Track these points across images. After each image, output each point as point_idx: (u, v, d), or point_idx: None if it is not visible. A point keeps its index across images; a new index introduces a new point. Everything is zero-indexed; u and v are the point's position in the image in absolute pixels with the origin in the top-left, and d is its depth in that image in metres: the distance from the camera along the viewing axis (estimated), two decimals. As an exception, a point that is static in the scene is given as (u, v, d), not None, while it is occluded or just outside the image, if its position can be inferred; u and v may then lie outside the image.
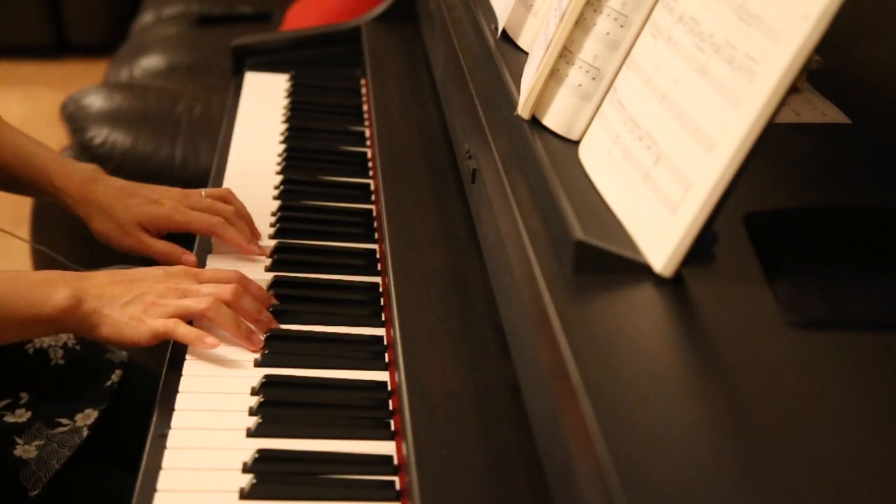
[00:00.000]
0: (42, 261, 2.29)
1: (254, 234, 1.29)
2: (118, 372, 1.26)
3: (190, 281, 1.09)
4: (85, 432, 1.16)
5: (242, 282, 1.11)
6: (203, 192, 1.31)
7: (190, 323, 1.07)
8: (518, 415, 0.90)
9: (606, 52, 0.97)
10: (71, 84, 3.32)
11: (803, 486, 0.64)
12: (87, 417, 1.18)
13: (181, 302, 1.06)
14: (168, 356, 1.07)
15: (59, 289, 1.03)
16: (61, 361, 1.23)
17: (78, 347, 1.26)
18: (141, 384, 1.28)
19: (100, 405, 1.20)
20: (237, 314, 1.08)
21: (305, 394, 1.03)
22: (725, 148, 0.76)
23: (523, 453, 0.87)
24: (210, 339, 1.04)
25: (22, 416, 1.16)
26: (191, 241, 1.31)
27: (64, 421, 1.17)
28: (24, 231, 2.28)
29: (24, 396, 1.18)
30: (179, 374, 1.04)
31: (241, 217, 1.29)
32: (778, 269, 0.84)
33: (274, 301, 1.14)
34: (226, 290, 1.08)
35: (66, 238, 2.23)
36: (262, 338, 1.08)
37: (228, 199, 1.31)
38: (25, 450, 1.13)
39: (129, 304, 1.05)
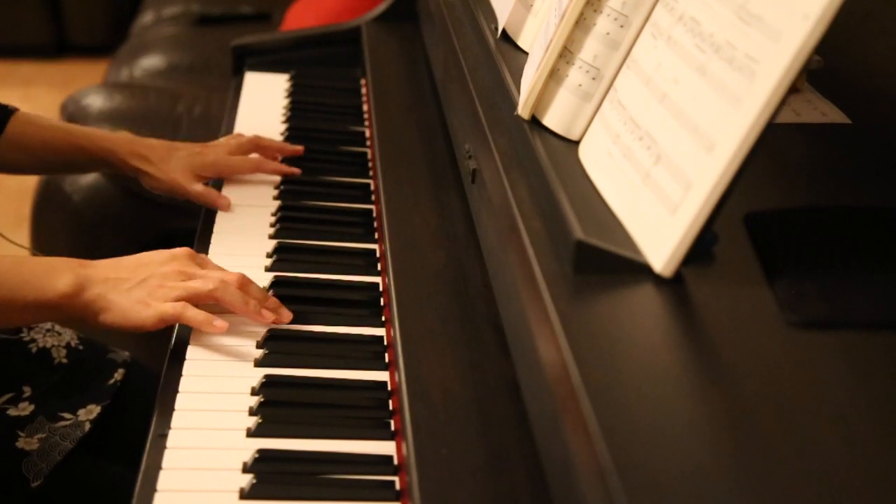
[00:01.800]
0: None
1: (293, 155, 1.48)
2: (121, 371, 1.26)
3: (193, 266, 1.09)
4: (87, 426, 1.16)
5: (246, 279, 1.11)
6: (223, 140, 1.47)
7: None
8: (518, 415, 0.90)
9: (606, 52, 0.97)
10: (71, 84, 3.32)
11: (803, 485, 0.64)
12: (90, 413, 1.18)
13: (188, 283, 1.06)
14: (168, 356, 1.07)
15: (63, 274, 1.03)
16: (64, 360, 1.23)
17: (81, 347, 1.26)
18: (143, 384, 1.28)
19: (102, 401, 1.20)
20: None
21: (305, 394, 1.03)
22: (725, 148, 0.76)
23: (523, 453, 0.87)
24: (219, 322, 1.04)
25: (25, 409, 1.16)
26: (190, 241, 1.31)
27: (66, 415, 1.17)
28: (25, 230, 2.28)
29: (27, 391, 1.18)
30: (179, 374, 1.04)
31: (277, 149, 1.48)
32: (778, 269, 0.84)
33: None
34: (233, 275, 1.09)
35: (65, 239, 2.23)
36: (271, 314, 1.09)
37: (259, 143, 1.47)
38: (27, 442, 1.13)
39: (135, 289, 1.05)
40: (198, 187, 1.38)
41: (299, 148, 1.48)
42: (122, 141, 1.40)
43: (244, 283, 1.09)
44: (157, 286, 1.05)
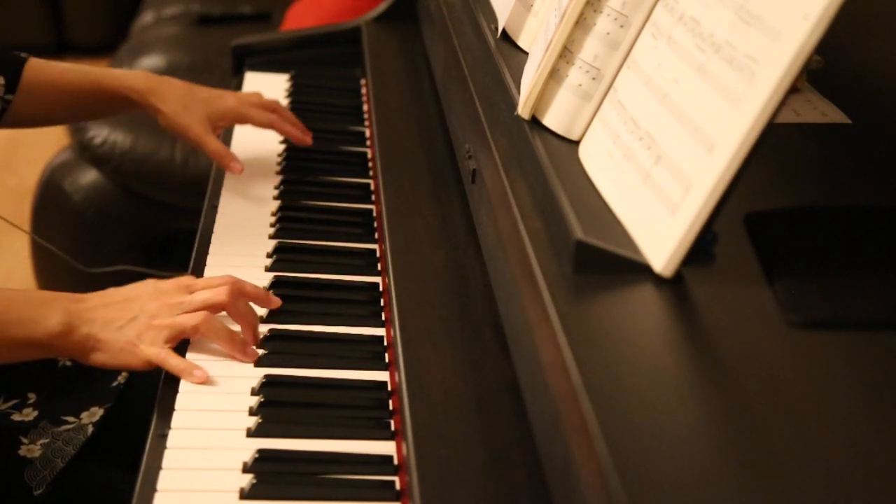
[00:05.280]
0: (42, 255, 2.29)
1: (304, 132, 1.48)
2: (124, 373, 1.26)
3: (182, 294, 1.09)
4: (90, 430, 1.16)
5: (237, 286, 1.10)
6: (243, 93, 1.49)
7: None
8: (518, 415, 0.90)
9: (606, 52, 0.97)
10: (71, 84, 3.31)
11: (803, 485, 0.64)
12: (93, 415, 1.18)
13: (175, 322, 1.05)
14: (168, 356, 1.07)
15: (54, 312, 1.03)
16: (68, 363, 1.23)
17: None
18: (146, 386, 1.28)
19: (105, 403, 1.20)
20: (232, 317, 1.08)
21: (305, 394, 1.03)
22: (725, 148, 0.76)
23: (523, 453, 0.87)
24: (199, 373, 1.03)
25: (28, 414, 1.16)
26: (190, 241, 1.31)
27: (70, 419, 1.17)
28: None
29: (32, 396, 1.18)
30: (179, 374, 1.04)
31: (292, 121, 1.48)
32: (778, 269, 0.84)
33: (274, 299, 1.14)
34: (220, 292, 1.08)
35: (66, 236, 2.23)
36: (256, 351, 1.07)
37: (277, 107, 1.48)
38: (30, 449, 1.13)
39: (124, 328, 1.05)
40: (214, 143, 1.39)
41: (308, 137, 1.49)
42: (141, 78, 1.40)
43: (233, 297, 1.08)
44: (146, 326, 1.05)
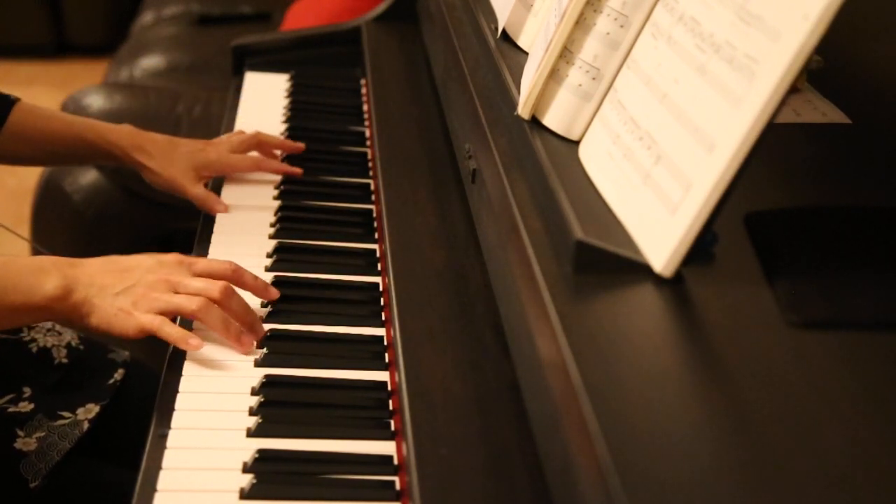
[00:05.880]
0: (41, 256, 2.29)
1: (285, 148, 1.48)
2: (121, 371, 1.26)
3: (182, 272, 1.08)
4: (85, 425, 1.16)
5: (237, 273, 1.11)
6: (224, 137, 1.47)
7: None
8: (518, 415, 0.91)
9: (606, 52, 0.97)
10: (71, 84, 3.32)
11: (804, 486, 0.64)
12: (89, 412, 1.18)
13: (172, 299, 1.05)
14: (168, 356, 1.07)
15: (51, 277, 1.03)
16: (65, 360, 1.23)
17: (81, 347, 1.27)
18: (143, 384, 1.28)
19: (101, 400, 1.20)
20: (225, 313, 1.08)
21: (305, 394, 1.03)
22: (725, 148, 0.76)
23: (523, 453, 0.87)
24: (194, 341, 1.04)
25: (25, 407, 1.17)
26: (190, 241, 1.31)
27: (65, 414, 1.17)
28: (25, 231, 2.28)
29: (28, 391, 1.18)
30: (179, 374, 1.04)
31: (278, 145, 1.48)
32: (778, 269, 0.84)
33: (273, 291, 1.14)
34: (215, 289, 1.07)
35: (65, 239, 2.23)
36: (253, 340, 1.07)
37: (260, 140, 1.47)
38: (26, 442, 1.13)
39: (120, 295, 1.05)
40: (198, 190, 1.38)
41: (300, 145, 1.48)
42: (124, 134, 1.40)
43: (226, 296, 1.07)
44: (142, 296, 1.05)
